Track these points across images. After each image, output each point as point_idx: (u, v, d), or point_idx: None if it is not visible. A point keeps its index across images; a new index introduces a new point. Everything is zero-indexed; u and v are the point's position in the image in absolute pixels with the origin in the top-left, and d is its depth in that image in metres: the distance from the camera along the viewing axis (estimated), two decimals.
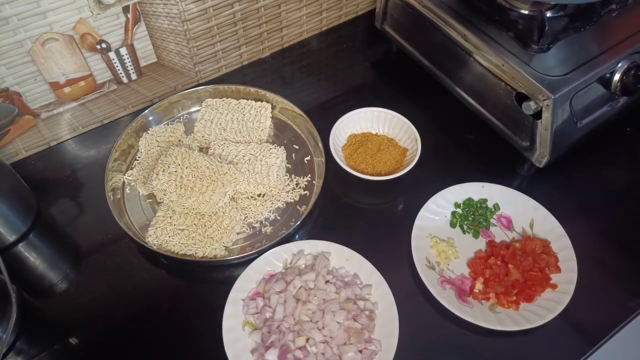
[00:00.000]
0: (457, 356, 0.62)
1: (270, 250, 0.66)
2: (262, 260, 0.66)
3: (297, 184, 0.75)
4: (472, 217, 0.71)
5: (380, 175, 0.73)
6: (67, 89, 0.75)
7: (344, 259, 0.66)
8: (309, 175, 0.76)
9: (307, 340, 0.59)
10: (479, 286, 0.64)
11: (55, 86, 0.74)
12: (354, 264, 0.66)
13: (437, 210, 0.71)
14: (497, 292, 0.63)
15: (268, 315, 0.61)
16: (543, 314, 0.61)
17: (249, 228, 0.71)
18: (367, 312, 0.61)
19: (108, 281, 0.67)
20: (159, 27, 0.77)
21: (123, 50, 0.76)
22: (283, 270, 0.66)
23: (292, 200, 0.74)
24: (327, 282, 0.63)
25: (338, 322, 0.60)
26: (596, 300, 0.65)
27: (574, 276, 0.64)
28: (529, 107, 0.67)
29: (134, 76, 0.80)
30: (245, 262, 0.65)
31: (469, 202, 0.72)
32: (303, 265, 0.66)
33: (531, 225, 0.70)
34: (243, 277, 0.64)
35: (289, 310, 0.61)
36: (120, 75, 0.79)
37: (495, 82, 0.72)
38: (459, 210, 0.72)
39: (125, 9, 0.72)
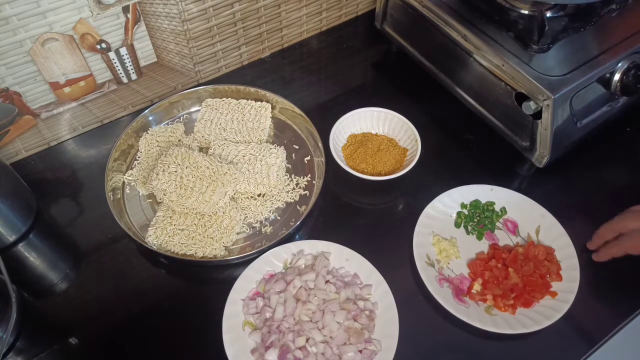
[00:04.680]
0: (457, 357, 0.62)
1: (270, 250, 0.66)
2: (262, 260, 0.66)
3: (297, 184, 0.75)
4: (478, 218, 0.71)
5: (380, 175, 0.73)
6: (67, 89, 0.75)
7: (344, 259, 0.66)
8: (309, 175, 0.76)
9: (307, 340, 0.59)
10: (477, 287, 0.64)
11: (55, 86, 0.74)
12: (353, 264, 0.66)
13: (443, 209, 0.71)
14: (495, 294, 0.63)
15: (268, 315, 0.61)
16: (539, 320, 0.61)
17: (249, 228, 0.71)
18: (367, 312, 0.61)
19: (108, 281, 0.67)
20: (159, 27, 0.77)
21: (123, 50, 0.76)
22: (283, 270, 0.66)
23: (292, 200, 0.74)
24: (327, 282, 0.63)
25: (338, 322, 0.60)
26: (595, 304, 0.65)
27: (575, 285, 0.63)
28: (529, 107, 0.67)
29: (134, 76, 0.80)
30: (245, 262, 0.65)
31: (475, 204, 0.71)
32: (303, 265, 0.66)
33: (537, 232, 0.70)
34: (243, 277, 0.64)
35: (289, 310, 0.61)
36: (120, 75, 0.79)
37: (495, 82, 0.72)
38: (465, 210, 0.72)
39: (125, 9, 0.72)
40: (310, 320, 0.60)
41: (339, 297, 0.62)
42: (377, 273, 0.64)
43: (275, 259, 0.66)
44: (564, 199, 0.73)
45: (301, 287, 0.62)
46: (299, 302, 0.61)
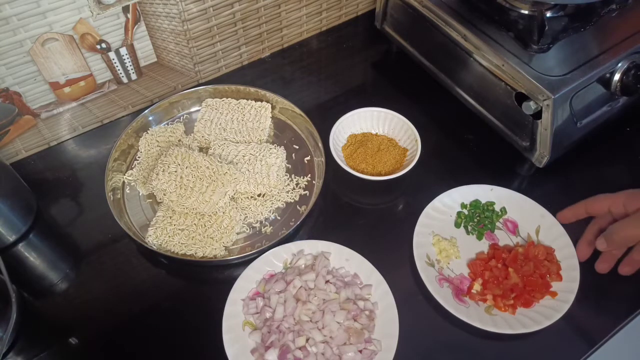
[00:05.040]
0: (457, 357, 0.62)
1: (270, 250, 0.66)
2: (262, 260, 0.66)
3: (297, 184, 0.75)
4: (478, 218, 0.71)
5: (380, 175, 0.73)
6: (67, 89, 0.75)
7: (344, 259, 0.66)
8: (309, 175, 0.76)
9: (307, 340, 0.59)
10: (477, 287, 0.64)
11: (55, 86, 0.74)
12: (353, 264, 0.66)
13: (443, 209, 0.71)
14: (495, 295, 0.63)
15: (268, 315, 0.61)
16: (539, 320, 0.60)
17: (249, 228, 0.71)
18: (367, 312, 0.61)
19: (108, 281, 0.67)
20: (159, 27, 0.77)
21: (123, 50, 0.76)
22: (283, 270, 0.66)
23: (292, 200, 0.74)
24: (327, 282, 0.63)
25: (338, 322, 0.60)
26: (596, 304, 0.65)
27: (575, 285, 0.63)
28: (529, 107, 0.67)
29: (134, 76, 0.80)
30: (245, 262, 0.65)
31: (475, 204, 0.71)
32: (303, 265, 0.66)
33: (537, 232, 0.69)
34: (243, 277, 0.64)
35: (289, 310, 0.61)
36: (120, 75, 0.79)
37: (495, 82, 0.72)
38: (464, 210, 0.72)
39: (125, 9, 0.72)
40: (310, 320, 0.60)
41: (339, 297, 0.62)
42: (377, 273, 0.64)
43: (275, 259, 0.66)
44: (564, 199, 0.73)
45: (301, 287, 0.62)
46: (299, 302, 0.61)
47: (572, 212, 0.68)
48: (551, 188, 0.75)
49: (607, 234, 0.63)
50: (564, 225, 0.68)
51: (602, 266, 0.65)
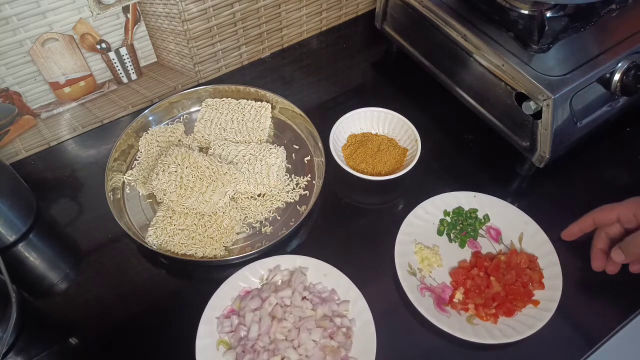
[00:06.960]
0: None
1: (246, 266, 0.65)
2: (237, 276, 0.64)
3: (297, 184, 0.75)
4: (461, 226, 0.70)
5: (380, 175, 0.73)
6: (67, 89, 0.75)
7: (321, 274, 0.65)
8: (309, 175, 0.76)
9: (282, 359, 0.58)
10: (458, 296, 0.63)
11: (55, 86, 0.74)
12: (332, 279, 0.64)
13: (426, 217, 0.70)
14: (477, 304, 0.62)
15: (242, 334, 0.59)
16: (521, 330, 0.60)
17: (249, 228, 0.71)
18: (343, 330, 0.60)
19: (108, 281, 0.67)
20: (159, 27, 0.77)
21: (123, 50, 0.76)
22: (259, 287, 0.65)
23: (292, 200, 0.74)
24: (303, 298, 0.62)
25: (314, 341, 0.58)
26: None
27: (557, 294, 0.62)
28: (529, 107, 0.67)
29: (134, 76, 0.80)
30: (244, 263, 0.65)
31: (458, 211, 0.71)
32: (280, 281, 0.64)
33: (520, 239, 0.69)
34: (218, 294, 0.62)
35: (263, 328, 0.59)
36: (120, 75, 0.79)
37: (495, 82, 0.72)
38: (447, 218, 0.71)
39: (125, 9, 0.72)
40: (286, 339, 0.59)
41: (316, 314, 0.61)
42: (354, 288, 0.63)
43: (251, 275, 0.65)
44: (563, 199, 0.73)
45: (277, 304, 0.61)
46: (274, 319, 0.59)
47: (579, 226, 0.66)
48: (551, 188, 0.75)
49: (624, 245, 0.61)
50: (548, 233, 0.67)
51: (610, 267, 0.64)
